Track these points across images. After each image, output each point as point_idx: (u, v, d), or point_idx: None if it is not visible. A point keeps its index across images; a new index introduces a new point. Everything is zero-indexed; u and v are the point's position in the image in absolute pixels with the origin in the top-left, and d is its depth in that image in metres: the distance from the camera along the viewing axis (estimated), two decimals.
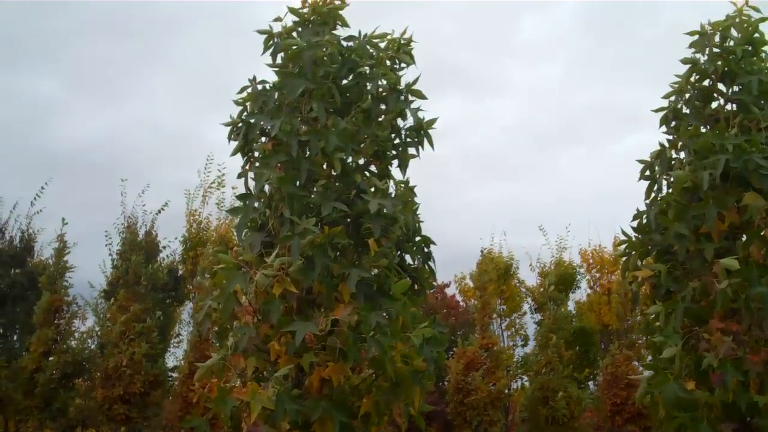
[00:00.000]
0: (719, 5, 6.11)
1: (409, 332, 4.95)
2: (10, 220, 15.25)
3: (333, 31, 5.62)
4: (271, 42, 5.60)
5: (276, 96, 5.43)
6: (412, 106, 5.63)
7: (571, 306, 17.63)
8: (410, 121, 5.62)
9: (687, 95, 6.10)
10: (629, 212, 6.04)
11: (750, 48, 5.98)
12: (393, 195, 5.31)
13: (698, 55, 6.08)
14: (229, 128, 5.54)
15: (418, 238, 5.54)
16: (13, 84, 37.52)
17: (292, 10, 5.63)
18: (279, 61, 5.60)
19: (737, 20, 6.03)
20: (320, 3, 5.65)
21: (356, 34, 5.72)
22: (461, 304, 20.72)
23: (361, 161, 5.55)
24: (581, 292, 18.12)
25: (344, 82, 5.58)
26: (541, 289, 16.99)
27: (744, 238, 5.60)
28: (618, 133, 46.83)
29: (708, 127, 5.97)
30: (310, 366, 4.77)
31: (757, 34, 6.00)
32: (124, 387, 12.51)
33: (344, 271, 4.91)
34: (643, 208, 6.02)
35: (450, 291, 20.93)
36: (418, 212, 5.50)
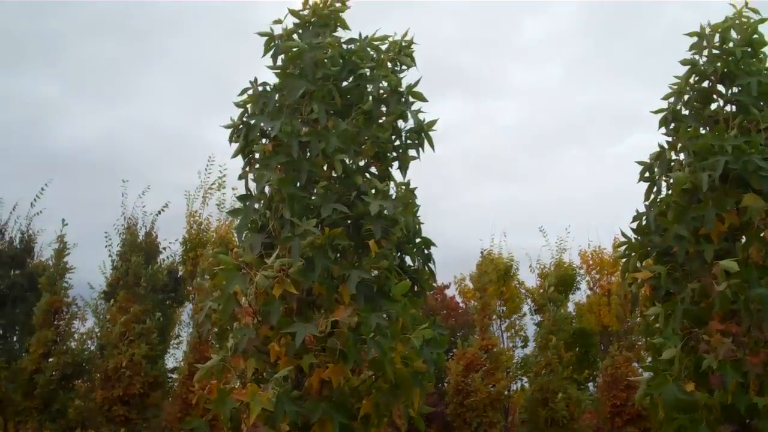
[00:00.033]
0: (720, 6, 6.13)
1: (409, 334, 4.95)
2: (10, 221, 15.27)
3: (333, 34, 5.63)
4: (272, 44, 5.61)
5: (276, 97, 5.44)
6: (413, 108, 5.64)
7: (570, 307, 17.64)
8: (411, 123, 5.64)
9: (686, 97, 6.11)
10: (629, 213, 6.05)
11: (749, 49, 5.99)
12: (394, 197, 5.32)
13: (697, 57, 6.09)
14: (230, 130, 5.54)
15: (418, 240, 5.54)
16: (14, 85, 37.57)
17: (293, 12, 5.64)
18: (279, 63, 5.61)
19: (737, 22, 6.04)
20: (321, 5, 5.66)
21: (357, 37, 5.74)
22: (461, 305, 20.73)
23: (362, 163, 5.56)
24: (581, 294, 18.15)
25: (344, 84, 5.59)
26: (541, 291, 16.99)
27: (743, 239, 5.61)
28: (618, 134, 46.89)
29: (707, 128, 5.98)
30: (309, 367, 4.77)
31: (756, 36, 6.01)
32: (123, 388, 12.50)
33: (344, 273, 4.91)
34: (642, 209, 6.03)
35: (450, 292, 20.95)
36: (418, 214, 5.51)
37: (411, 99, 5.65)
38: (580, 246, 19.91)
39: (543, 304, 16.29)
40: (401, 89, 5.62)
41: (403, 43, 5.75)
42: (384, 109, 5.57)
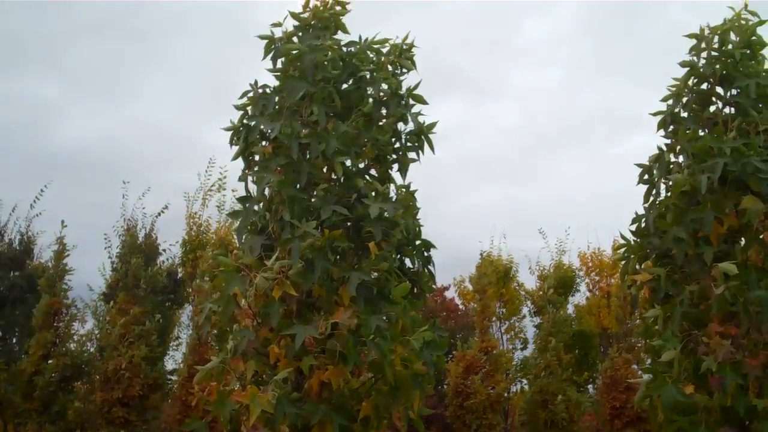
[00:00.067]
0: (720, 7, 6.14)
1: (408, 336, 4.95)
2: (9, 222, 15.27)
3: (333, 37, 5.64)
4: (272, 47, 5.63)
5: (276, 100, 5.45)
6: (413, 110, 5.65)
7: (570, 309, 17.64)
8: (411, 125, 5.65)
9: (685, 99, 6.13)
10: (629, 215, 6.06)
11: (748, 51, 6.00)
12: (394, 199, 5.33)
13: (696, 59, 6.10)
14: (230, 133, 5.55)
15: (418, 242, 5.55)
16: (14, 85, 37.57)
17: (293, 15, 5.65)
18: (279, 66, 5.63)
19: (736, 24, 6.05)
20: (321, 8, 5.68)
21: (357, 39, 5.75)
22: (460, 307, 20.74)
23: (362, 165, 5.57)
24: (580, 296, 18.16)
25: (344, 86, 5.61)
26: (541, 293, 17.00)
27: (743, 241, 5.61)
28: (618, 136, 46.91)
29: (706, 130, 5.99)
30: (309, 369, 4.78)
31: (754, 37, 6.02)
32: (123, 390, 12.50)
33: (344, 275, 4.92)
34: (642, 211, 6.03)
35: (449, 294, 20.96)
36: (417, 216, 5.52)
37: (411, 102, 5.67)
38: (580, 248, 19.94)
39: (542, 306, 16.30)
40: (401, 92, 5.64)
41: (404, 47, 5.76)
42: (384, 111, 5.59)
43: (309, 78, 5.32)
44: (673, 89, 6.17)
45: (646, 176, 6.10)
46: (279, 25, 5.67)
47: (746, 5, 6.05)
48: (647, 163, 6.11)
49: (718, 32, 6.04)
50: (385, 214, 5.05)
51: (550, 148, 44.98)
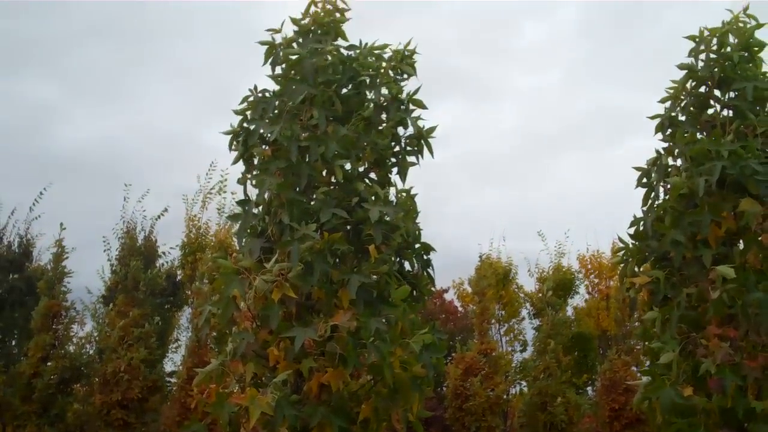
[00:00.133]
0: (720, 9, 6.15)
1: (408, 338, 4.96)
2: (8, 225, 15.26)
3: (334, 42, 5.66)
4: (273, 52, 5.65)
5: (276, 103, 5.46)
6: (413, 115, 5.67)
7: (569, 311, 17.65)
8: (410, 129, 5.67)
9: (683, 102, 6.14)
10: (628, 218, 6.07)
11: (746, 54, 6.02)
12: (394, 203, 5.35)
13: (695, 61, 6.12)
14: (229, 137, 5.57)
15: (417, 245, 5.56)
16: (14, 87, 37.58)
17: (294, 21, 5.67)
18: (279, 71, 5.65)
19: (734, 27, 6.06)
20: (321, 14, 5.70)
21: (357, 44, 5.77)
22: (460, 309, 20.75)
23: (362, 169, 5.59)
24: (580, 298, 18.17)
25: (344, 91, 5.63)
26: (540, 295, 17.01)
27: (741, 244, 5.63)
28: (618, 138, 46.96)
29: (704, 133, 6.01)
30: (309, 371, 4.78)
31: (752, 40, 6.04)
32: (122, 392, 12.49)
33: (344, 278, 4.93)
34: (641, 214, 6.05)
35: (448, 296, 20.97)
36: (417, 220, 5.54)
37: (411, 107, 5.69)
38: (579, 250, 19.95)
39: (542, 308, 16.32)
40: (402, 97, 5.65)
41: (406, 53, 5.78)
42: (384, 116, 5.61)
43: (310, 81, 5.33)
44: (671, 92, 6.19)
45: (644, 180, 6.12)
46: (278, 31, 5.69)
47: (747, 7, 6.06)
48: (645, 167, 6.13)
49: (717, 35, 6.06)
50: (386, 217, 5.06)
51: (549, 150, 45.02)
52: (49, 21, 38.97)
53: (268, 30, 5.68)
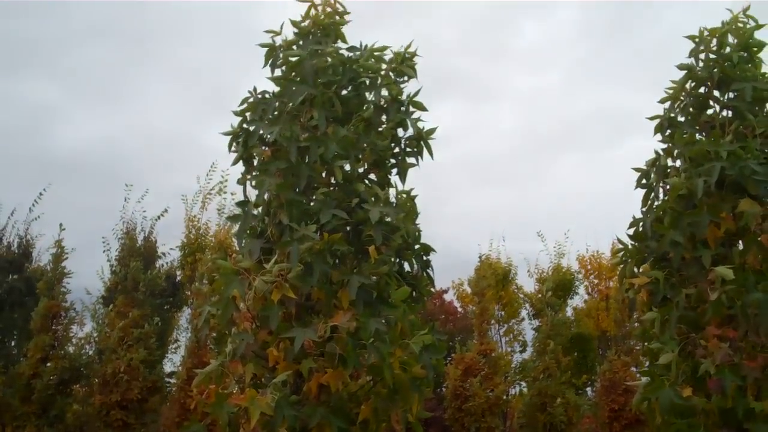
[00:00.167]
0: (720, 9, 6.16)
1: (408, 339, 4.97)
2: (8, 225, 15.28)
3: (333, 45, 5.67)
4: (273, 54, 5.65)
5: (276, 105, 5.47)
6: (413, 116, 5.67)
7: (569, 312, 17.66)
8: (410, 131, 5.67)
9: (682, 102, 6.14)
10: (628, 218, 6.07)
11: (745, 54, 6.02)
12: (394, 204, 5.35)
13: (695, 62, 6.12)
14: (229, 138, 5.57)
15: (417, 246, 5.56)
16: (13, 89, 37.57)
17: (294, 23, 5.67)
18: (279, 74, 5.65)
19: (733, 27, 6.07)
20: (322, 17, 5.70)
21: (358, 45, 5.78)
22: (459, 310, 20.75)
23: (361, 170, 5.59)
24: (579, 298, 18.18)
25: (344, 92, 5.63)
26: (539, 295, 17.03)
27: (740, 244, 5.63)
28: (618, 139, 46.98)
29: (703, 134, 6.01)
30: (308, 372, 4.78)
31: (752, 40, 6.04)
32: (121, 393, 12.49)
33: (344, 278, 4.93)
34: (641, 215, 6.05)
35: (448, 297, 20.98)
36: (417, 221, 5.54)
37: (411, 108, 5.69)
38: (579, 251, 19.94)
39: (541, 308, 16.33)
40: (401, 98, 5.66)
41: (406, 55, 5.78)
42: (384, 117, 5.61)
43: (309, 82, 5.34)
44: (671, 92, 6.19)
45: (643, 180, 6.12)
46: (278, 33, 5.69)
47: (749, 7, 6.06)
48: (645, 167, 6.13)
49: (717, 35, 6.06)
50: (386, 218, 5.06)
51: (549, 150, 45.04)
52: (49, 21, 38.98)
53: (268, 32, 5.68)
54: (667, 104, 6.22)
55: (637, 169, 6.16)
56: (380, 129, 5.62)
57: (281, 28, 5.68)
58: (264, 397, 4.61)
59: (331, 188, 5.38)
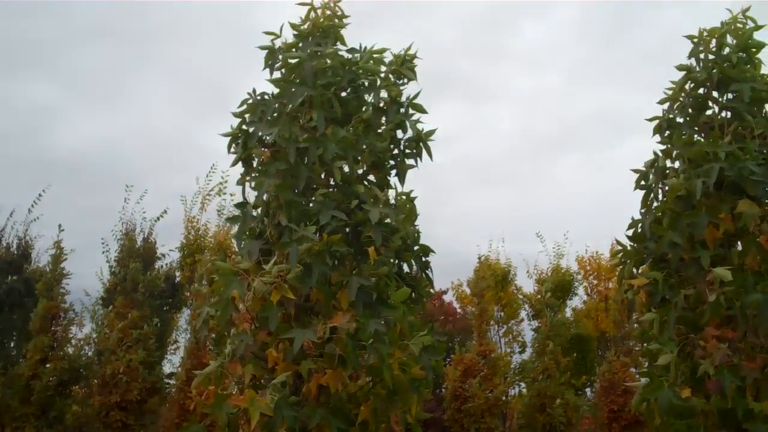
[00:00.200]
0: (720, 9, 6.17)
1: (407, 340, 4.97)
2: (7, 226, 15.27)
3: (333, 46, 5.67)
4: (273, 56, 5.65)
5: (275, 106, 5.47)
6: (412, 118, 5.68)
7: (568, 313, 17.67)
8: (410, 132, 5.67)
9: (681, 103, 6.15)
10: (628, 219, 6.08)
11: (744, 55, 6.03)
12: (394, 205, 5.35)
13: (694, 63, 6.13)
14: (228, 139, 5.57)
15: (416, 247, 5.57)
16: (12, 90, 37.55)
17: (293, 26, 5.68)
18: (278, 76, 5.66)
19: (732, 27, 6.08)
20: (321, 19, 5.70)
21: (357, 47, 5.78)
22: (458, 310, 20.75)
23: (360, 171, 5.59)
24: (578, 299, 18.19)
25: (344, 94, 5.63)
26: (539, 296, 17.03)
27: (739, 245, 5.63)
28: (617, 139, 47.00)
29: (702, 135, 6.02)
30: (308, 373, 4.79)
31: (751, 41, 6.05)
32: (121, 394, 12.49)
33: (343, 279, 4.94)
34: (640, 216, 6.05)
35: (447, 298, 20.98)
36: (416, 222, 5.54)
37: (411, 110, 5.69)
38: (578, 252, 19.96)
39: (540, 309, 16.34)
40: (401, 100, 5.66)
41: (406, 57, 5.79)
42: (383, 119, 5.61)
43: (309, 83, 5.34)
44: (670, 93, 6.20)
45: (642, 182, 6.13)
46: (277, 36, 5.69)
47: (748, 8, 6.06)
48: (643, 168, 6.14)
49: (716, 36, 6.07)
50: (387, 219, 5.07)
51: (548, 151, 45.05)
52: (49, 21, 38.98)
53: (267, 33, 5.68)
54: (666, 105, 6.23)
55: (636, 170, 6.17)
56: (379, 130, 5.63)
57: (281, 30, 5.69)
58: (263, 398, 4.61)
59: (331, 189, 5.39)
